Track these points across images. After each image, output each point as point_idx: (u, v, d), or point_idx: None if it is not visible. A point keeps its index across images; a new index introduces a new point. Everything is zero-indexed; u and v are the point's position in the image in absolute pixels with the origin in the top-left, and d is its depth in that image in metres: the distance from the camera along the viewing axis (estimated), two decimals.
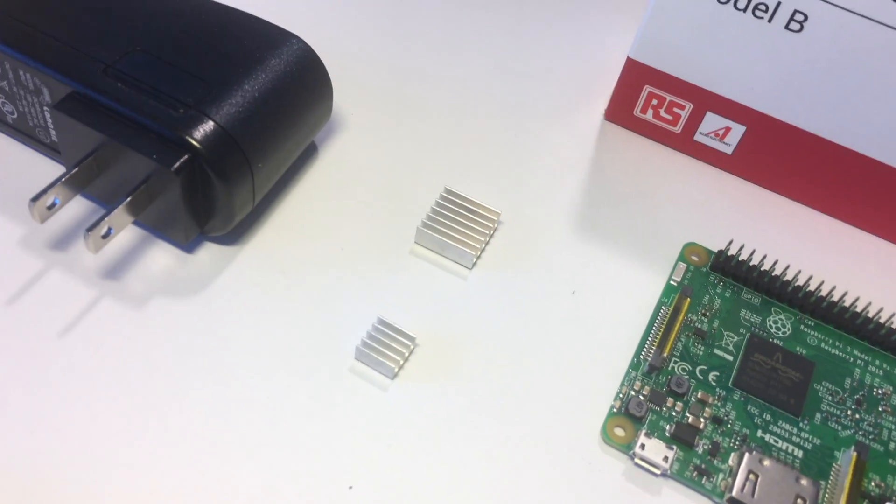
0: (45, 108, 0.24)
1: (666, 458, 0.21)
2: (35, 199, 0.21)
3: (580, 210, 0.27)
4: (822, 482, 0.21)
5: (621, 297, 0.25)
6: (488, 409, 0.22)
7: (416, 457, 0.21)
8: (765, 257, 0.25)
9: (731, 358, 0.23)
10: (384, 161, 0.27)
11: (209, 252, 0.24)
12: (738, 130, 0.27)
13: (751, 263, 0.25)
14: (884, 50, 0.23)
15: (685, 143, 0.28)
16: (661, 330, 0.23)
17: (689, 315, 0.24)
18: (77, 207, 0.24)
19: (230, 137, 0.22)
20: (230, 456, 0.20)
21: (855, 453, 0.21)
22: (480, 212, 0.25)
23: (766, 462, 0.21)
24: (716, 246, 0.26)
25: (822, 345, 0.24)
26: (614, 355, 0.23)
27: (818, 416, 0.22)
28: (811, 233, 0.27)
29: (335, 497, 0.20)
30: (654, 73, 0.27)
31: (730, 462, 0.21)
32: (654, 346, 0.23)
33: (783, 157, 0.27)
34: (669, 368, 0.23)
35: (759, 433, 0.22)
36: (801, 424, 0.22)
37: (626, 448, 0.21)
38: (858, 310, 0.24)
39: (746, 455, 0.21)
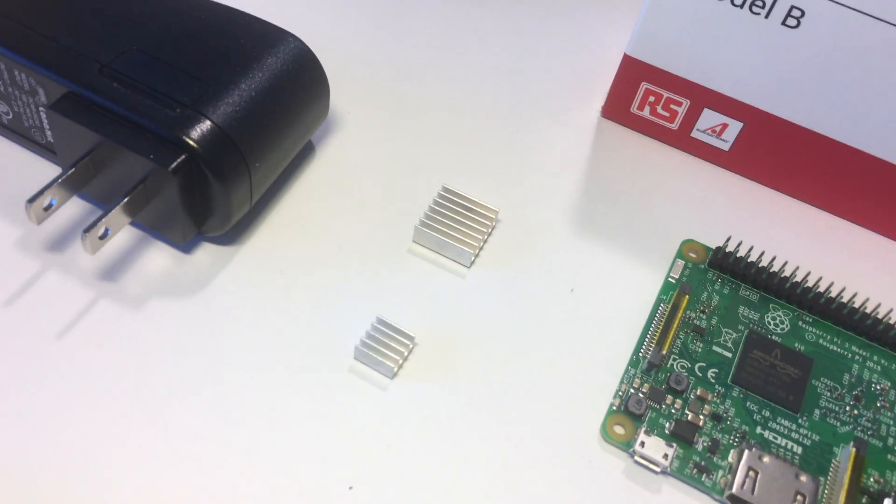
0: (40, 108, 0.24)
1: (666, 456, 0.21)
2: (31, 200, 0.21)
3: (578, 208, 0.27)
4: (822, 478, 0.21)
5: (620, 295, 0.25)
6: (488, 408, 0.22)
7: (415, 456, 0.21)
8: (763, 254, 0.25)
9: (729, 355, 0.23)
10: (381, 159, 0.27)
11: (207, 252, 0.24)
12: (735, 127, 0.27)
13: (749, 260, 0.25)
14: (881, 46, 0.23)
15: (682, 139, 0.28)
16: (660, 327, 0.23)
17: (688, 312, 0.24)
18: (73, 208, 0.24)
19: (227, 137, 0.22)
20: (230, 457, 0.20)
21: (854, 449, 0.21)
22: (478, 210, 0.25)
23: (766, 459, 0.21)
24: (713, 242, 0.26)
25: (821, 341, 0.24)
26: (613, 353, 0.23)
27: (817, 412, 0.22)
28: (809, 229, 0.27)
29: (335, 497, 0.20)
30: (651, 69, 0.27)
31: (729, 459, 0.21)
32: (652, 343, 0.23)
33: (780, 154, 0.27)
34: (668, 366, 0.23)
35: (759, 430, 0.22)
36: (799, 421, 0.22)
37: (626, 446, 0.21)
38: (856, 305, 0.24)
39: (746, 452, 0.21)
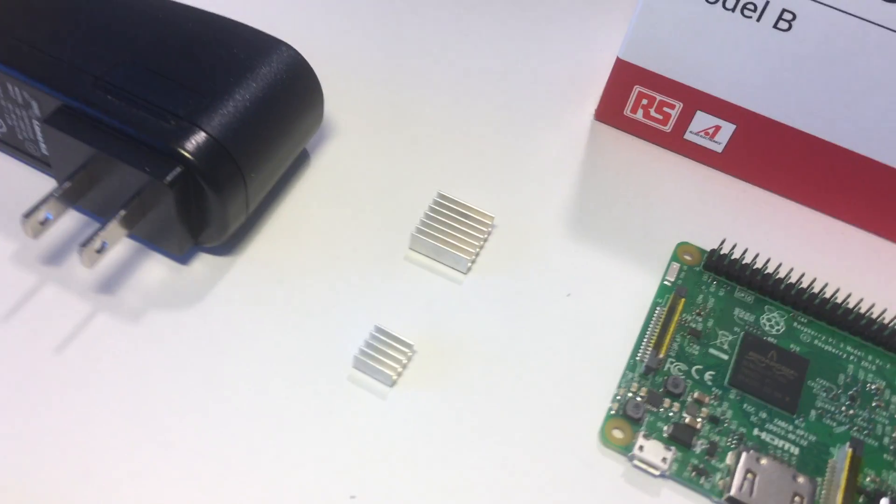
0: (34, 121, 0.23)
1: (664, 459, 0.21)
2: (27, 214, 0.21)
3: (573, 212, 0.27)
4: (819, 479, 0.21)
5: (616, 299, 0.25)
6: (487, 414, 0.22)
7: (416, 463, 0.21)
8: (757, 255, 0.25)
9: (726, 357, 0.23)
10: (376, 167, 0.27)
11: (204, 263, 0.24)
12: (727, 129, 0.27)
13: (743, 262, 0.25)
14: (871, 48, 0.23)
15: (675, 142, 0.28)
16: (657, 331, 0.24)
17: (684, 315, 0.24)
18: (69, 221, 0.24)
19: (223, 148, 0.22)
20: (230, 469, 0.20)
21: (850, 449, 0.22)
22: (474, 216, 0.25)
23: (764, 461, 0.21)
24: (708, 245, 0.26)
25: (816, 341, 0.24)
26: (610, 357, 0.23)
27: (813, 412, 0.23)
28: (802, 230, 0.27)
29: None
30: (643, 73, 0.27)
31: (727, 461, 0.22)
32: (649, 347, 0.23)
33: (773, 155, 0.27)
34: (666, 369, 0.23)
35: (756, 431, 0.22)
36: (796, 422, 0.22)
37: (625, 450, 0.22)
38: (851, 306, 0.24)
39: (744, 454, 0.21)
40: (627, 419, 0.22)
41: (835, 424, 0.23)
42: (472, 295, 0.24)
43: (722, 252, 0.25)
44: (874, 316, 0.24)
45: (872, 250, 0.27)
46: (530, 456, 0.21)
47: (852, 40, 0.23)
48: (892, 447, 0.22)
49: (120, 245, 0.24)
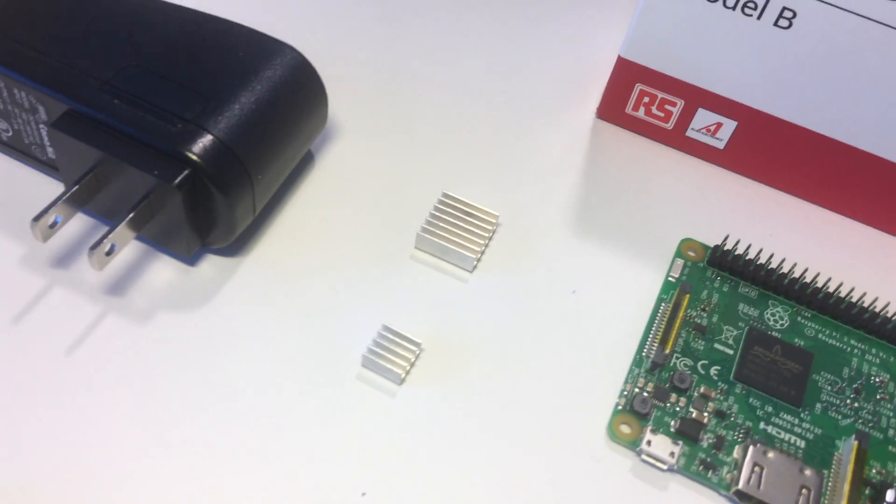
0: (41, 125, 0.24)
1: (672, 454, 0.21)
2: (37, 218, 0.21)
3: (576, 209, 0.27)
4: (825, 471, 0.22)
5: (621, 295, 0.25)
6: (495, 411, 0.22)
7: (426, 460, 0.21)
8: (761, 251, 0.25)
9: (731, 352, 0.24)
10: (381, 167, 0.27)
11: (211, 264, 0.24)
12: (729, 126, 0.27)
13: (747, 257, 0.25)
14: (872, 45, 0.23)
15: (677, 139, 0.29)
16: (662, 326, 0.24)
17: (689, 311, 0.24)
18: (77, 224, 0.24)
19: (230, 150, 0.22)
20: (242, 468, 0.20)
21: (856, 442, 0.22)
22: (479, 215, 0.25)
23: (771, 454, 0.21)
24: (711, 240, 0.26)
25: (820, 335, 0.24)
26: (616, 353, 0.24)
27: (818, 406, 0.23)
28: (805, 225, 0.27)
29: None
30: (645, 71, 0.27)
31: (734, 455, 0.22)
32: (655, 342, 0.23)
33: (775, 151, 0.27)
34: (671, 364, 0.23)
35: (762, 425, 0.22)
36: (802, 415, 0.23)
37: (633, 445, 0.22)
38: (854, 300, 0.24)
39: (751, 448, 0.21)
40: (635, 414, 0.22)
41: (840, 417, 0.23)
42: (478, 293, 0.24)
43: (725, 248, 0.25)
44: (877, 310, 0.24)
45: (875, 245, 0.27)
46: (539, 451, 0.22)
47: (852, 37, 0.23)
48: None
49: (128, 247, 0.24)
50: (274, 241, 0.25)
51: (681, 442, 0.22)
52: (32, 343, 0.22)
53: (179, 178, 0.21)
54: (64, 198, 0.22)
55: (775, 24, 0.24)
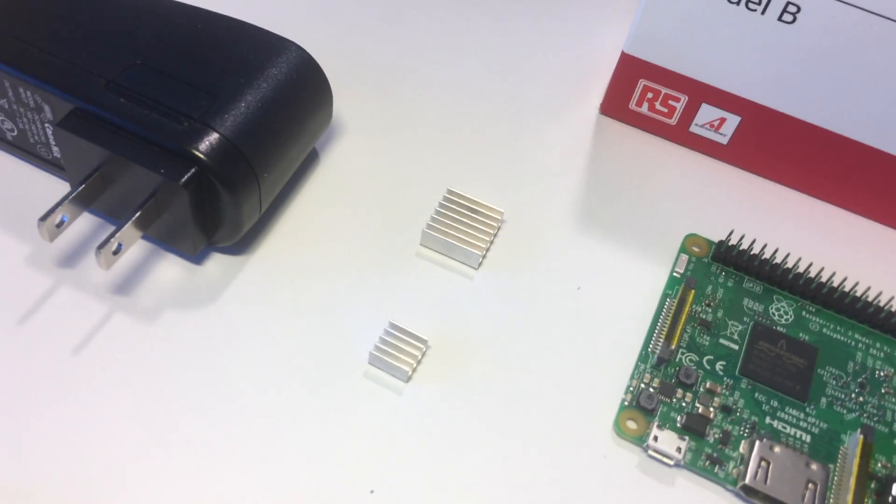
0: (46, 125, 0.24)
1: (679, 449, 0.21)
2: (44, 218, 0.21)
3: (581, 205, 0.27)
4: (831, 465, 0.22)
5: (626, 291, 0.25)
6: (502, 407, 0.22)
7: (433, 456, 0.21)
8: (765, 246, 0.25)
9: (736, 347, 0.24)
10: (385, 164, 0.27)
11: (217, 262, 0.24)
12: (733, 121, 0.27)
13: (751, 252, 0.25)
14: (876, 39, 0.23)
15: (681, 134, 0.29)
16: (668, 322, 0.24)
17: (694, 306, 0.24)
18: (82, 223, 0.24)
19: (236, 149, 0.22)
20: (249, 466, 0.21)
21: (861, 436, 0.22)
22: (484, 211, 0.26)
23: (777, 449, 0.21)
24: (716, 236, 0.26)
25: (825, 330, 0.24)
26: (622, 348, 0.24)
27: (824, 400, 0.23)
28: (809, 220, 0.27)
29: (357, 501, 0.20)
30: (648, 66, 0.27)
31: (741, 450, 0.22)
32: (661, 338, 0.24)
33: (778, 146, 0.27)
34: (677, 360, 0.23)
35: (768, 420, 0.22)
36: (807, 409, 0.23)
37: (640, 440, 0.22)
38: (858, 294, 0.24)
39: (757, 443, 0.21)
40: (641, 410, 0.22)
41: (845, 411, 0.23)
42: (483, 290, 0.24)
43: (730, 243, 0.25)
44: (881, 304, 0.24)
45: (879, 239, 0.27)
46: (546, 448, 0.22)
47: (857, 32, 0.23)
48: None
49: (134, 246, 0.24)
50: (279, 239, 0.25)
51: (687, 437, 0.22)
52: (39, 342, 0.22)
53: (186, 177, 0.21)
54: (70, 197, 0.22)
55: (779, 18, 0.24)
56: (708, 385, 0.23)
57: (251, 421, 0.21)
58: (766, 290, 0.25)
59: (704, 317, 0.24)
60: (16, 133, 0.25)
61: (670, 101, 0.28)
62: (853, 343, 0.24)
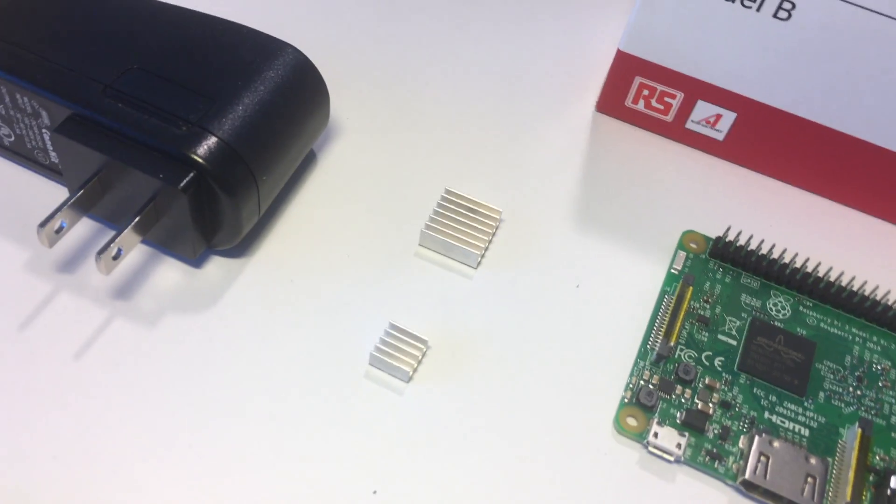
0: (43, 130, 0.24)
1: (679, 445, 0.22)
2: (43, 224, 0.21)
3: (578, 203, 0.27)
4: (830, 459, 0.22)
5: (624, 288, 0.25)
6: (502, 406, 0.22)
7: (435, 456, 0.21)
8: (762, 241, 0.25)
9: (734, 343, 0.24)
10: (383, 165, 0.27)
11: (217, 266, 0.24)
12: (729, 117, 0.28)
13: (749, 248, 0.25)
14: (871, 35, 0.23)
15: (677, 131, 0.29)
16: (666, 318, 0.24)
17: (692, 302, 0.24)
18: (81, 228, 0.24)
19: (234, 152, 0.22)
20: (251, 468, 0.21)
21: (859, 430, 0.22)
22: (482, 211, 0.26)
23: (776, 443, 0.22)
24: (713, 232, 0.26)
25: (822, 324, 0.24)
26: (621, 345, 0.24)
27: (822, 394, 0.23)
28: (806, 215, 0.28)
29: (360, 502, 0.20)
30: (644, 64, 0.27)
31: (740, 445, 0.22)
32: (660, 335, 0.24)
33: (774, 142, 0.27)
34: (676, 356, 0.23)
35: (767, 415, 0.23)
36: (805, 404, 0.23)
37: (640, 437, 0.22)
38: (855, 288, 0.25)
39: (756, 438, 0.22)
40: (641, 407, 0.22)
41: (843, 405, 0.23)
42: (483, 289, 0.25)
43: (727, 239, 0.25)
44: (878, 298, 0.24)
45: (875, 233, 0.27)
46: (546, 445, 0.22)
47: (851, 28, 0.24)
48: None
49: (134, 250, 0.24)
50: (278, 241, 0.25)
51: (687, 433, 0.22)
52: (40, 348, 0.22)
53: (185, 181, 0.21)
54: (69, 203, 0.22)
55: (774, 15, 0.24)
56: (707, 381, 0.23)
57: (253, 423, 0.21)
58: (763, 286, 0.25)
59: (703, 313, 0.24)
60: (13, 139, 0.25)
61: (666, 98, 0.28)
62: (850, 337, 0.24)
